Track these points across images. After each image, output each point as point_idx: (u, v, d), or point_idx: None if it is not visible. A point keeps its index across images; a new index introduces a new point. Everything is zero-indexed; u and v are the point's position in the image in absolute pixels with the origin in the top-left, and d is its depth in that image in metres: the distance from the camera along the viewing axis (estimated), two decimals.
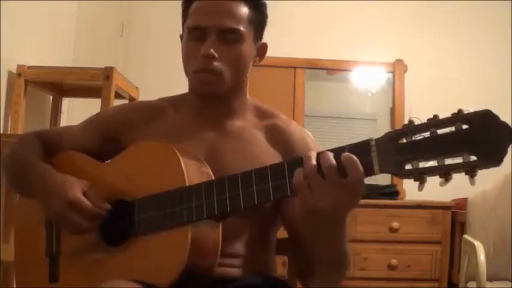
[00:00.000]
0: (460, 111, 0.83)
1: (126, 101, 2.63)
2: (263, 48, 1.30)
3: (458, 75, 3.80)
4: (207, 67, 1.20)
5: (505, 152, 0.80)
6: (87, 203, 1.14)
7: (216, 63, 1.19)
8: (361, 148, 0.91)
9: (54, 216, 1.18)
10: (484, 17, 3.84)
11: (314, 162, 0.91)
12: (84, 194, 1.15)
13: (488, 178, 2.54)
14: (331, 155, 0.91)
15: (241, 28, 1.21)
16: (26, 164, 1.27)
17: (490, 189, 2.90)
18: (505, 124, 0.80)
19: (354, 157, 0.89)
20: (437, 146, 0.84)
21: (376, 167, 0.89)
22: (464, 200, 3.03)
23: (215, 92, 1.23)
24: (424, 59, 3.82)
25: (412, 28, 3.86)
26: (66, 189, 1.15)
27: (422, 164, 0.86)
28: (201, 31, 1.20)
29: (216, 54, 1.19)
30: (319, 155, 0.92)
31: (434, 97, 3.60)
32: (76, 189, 1.15)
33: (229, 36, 1.20)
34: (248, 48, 1.24)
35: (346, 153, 0.90)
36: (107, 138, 1.31)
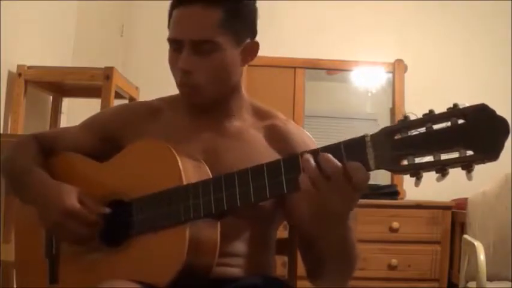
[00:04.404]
0: (455, 105, 0.82)
1: (126, 101, 2.63)
2: (252, 47, 1.25)
3: (458, 75, 3.80)
4: (185, 81, 1.20)
5: (501, 147, 0.79)
6: (83, 210, 1.14)
7: (193, 77, 1.19)
8: (356, 144, 0.90)
9: (52, 226, 1.18)
10: (484, 17, 3.83)
11: (313, 163, 0.91)
12: (81, 201, 1.15)
13: (488, 178, 2.54)
14: (331, 157, 0.90)
15: (215, 38, 1.17)
16: (23, 171, 1.26)
17: (490, 189, 2.90)
18: (501, 118, 0.80)
19: (358, 164, 0.89)
20: (433, 141, 0.83)
21: (371, 163, 0.89)
22: (464, 200, 3.03)
23: (198, 103, 1.24)
24: (424, 59, 3.82)
25: (412, 28, 3.86)
26: (62, 198, 1.15)
27: (418, 160, 0.85)
28: (177, 43, 1.19)
29: (191, 69, 1.18)
30: (317, 156, 0.92)
31: (434, 97, 3.59)
32: (72, 197, 1.15)
33: (203, 47, 1.17)
34: (229, 54, 1.20)
35: (351, 162, 0.89)
36: (105, 139, 1.31)
